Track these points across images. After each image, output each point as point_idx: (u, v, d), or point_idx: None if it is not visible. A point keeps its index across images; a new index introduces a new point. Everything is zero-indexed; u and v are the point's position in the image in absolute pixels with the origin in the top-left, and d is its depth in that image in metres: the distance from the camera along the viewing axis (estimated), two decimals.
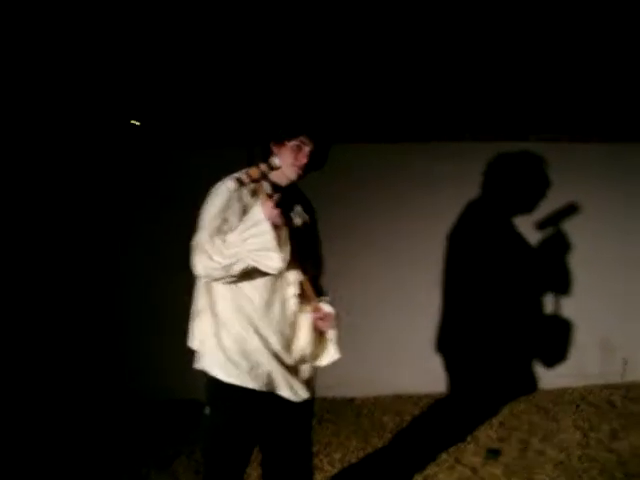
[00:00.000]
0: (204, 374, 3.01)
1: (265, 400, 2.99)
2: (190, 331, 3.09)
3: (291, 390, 3.01)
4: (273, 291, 2.97)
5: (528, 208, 5.33)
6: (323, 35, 6.10)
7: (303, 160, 2.93)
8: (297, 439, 3.15)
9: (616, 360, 5.55)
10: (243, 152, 4.89)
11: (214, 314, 2.99)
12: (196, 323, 3.06)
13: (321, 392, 5.01)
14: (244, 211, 2.89)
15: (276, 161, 2.87)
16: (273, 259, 2.80)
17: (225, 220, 2.88)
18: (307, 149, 2.92)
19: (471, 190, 5.32)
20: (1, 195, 5.21)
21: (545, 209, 5.32)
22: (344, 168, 5.04)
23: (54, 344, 5.26)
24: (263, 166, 2.85)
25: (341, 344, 3.09)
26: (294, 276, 2.98)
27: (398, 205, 5.33)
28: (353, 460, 4.33)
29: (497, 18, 6.27)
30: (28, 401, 5.10)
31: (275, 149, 2.97)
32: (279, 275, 2.94)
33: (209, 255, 2.84)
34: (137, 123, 5.83)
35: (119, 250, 5.28)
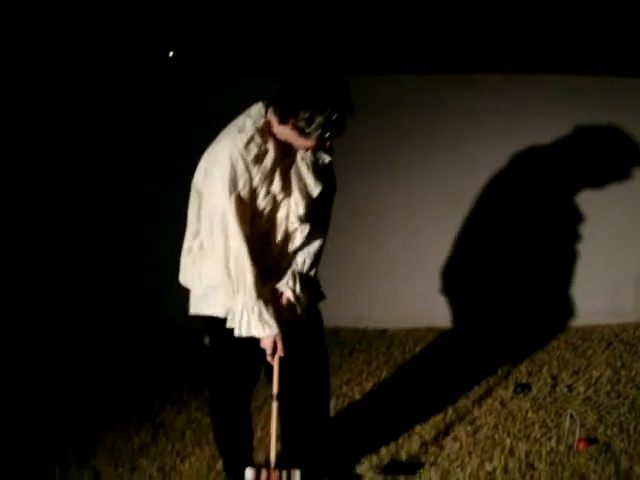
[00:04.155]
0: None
1: None
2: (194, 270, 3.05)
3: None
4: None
5: (570, 144, 5.25)
6: None
7: (311, 145, 2.81)
8: (310, 356, 3.13)
9: None
10: (276, 82, 4.87)
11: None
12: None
13: (353, 323, 5.13)
14: (251, 179, 2.79)
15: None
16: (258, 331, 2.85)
17: (239, 193, 2.78)
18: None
19: (510, 125, 5.24)
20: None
21: (589, 146, 5.23)
22: (377, 100, 4.98)
23: (77, 273, 5.40)
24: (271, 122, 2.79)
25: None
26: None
27: (429, 142, 5.27)
28: (384, 389, 4.39)
29: None
30: (48, 329, 5.28)
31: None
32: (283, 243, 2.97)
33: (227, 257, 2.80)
34: (171, 54, 5.79)
35: (144, 180, 5.35)
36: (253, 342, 2.92)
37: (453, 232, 5.35)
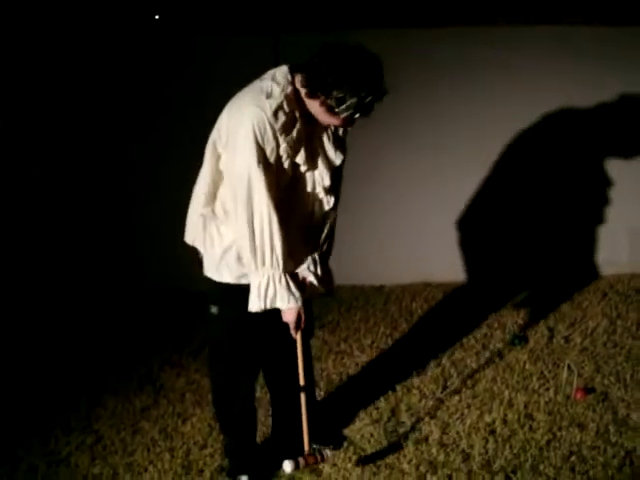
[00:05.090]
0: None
1: None
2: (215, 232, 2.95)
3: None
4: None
5: (564, 95, 5.20)
6: None
7: (337, 123, 2.78)
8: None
9: None
10: (268, 40, 4.80)
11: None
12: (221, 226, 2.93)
13: (350, 280, 5.14)
14: (278, 146, 2.72)
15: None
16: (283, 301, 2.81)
17: (266, 160, 2.71)
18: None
19: (503, 77, 5.19)
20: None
21: (578, 94, 5.19)
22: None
23: (71, 240, 5.42)
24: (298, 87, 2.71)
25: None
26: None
27: (427, 93, 5.22)
28: (382, 345, 4.42)
29: None
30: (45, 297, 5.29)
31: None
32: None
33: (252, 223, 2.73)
34: (157, 17, 5.71)
35: (133, 144, 5.33)
36: (264, 315, 2.86)
37: (448, 185, 5.32)
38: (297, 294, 2.82)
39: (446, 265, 5.36)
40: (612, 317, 4.63)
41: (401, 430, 3.45)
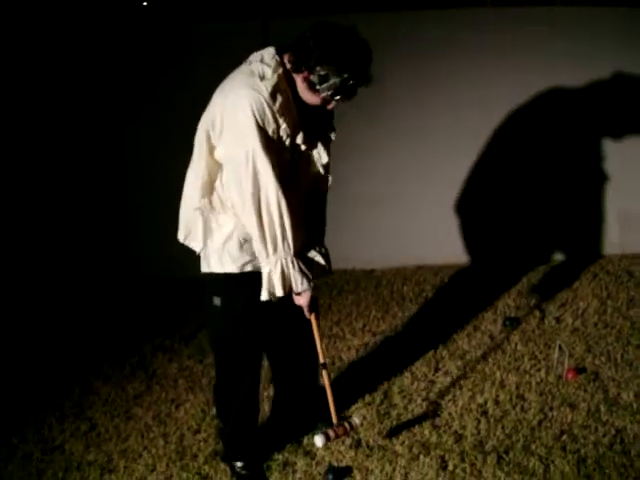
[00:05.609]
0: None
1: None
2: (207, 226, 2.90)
3: None
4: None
5: (552, 76, 5.20)
6: None
7: (317, 102, 2.74)
8: (302, 326, 3.06)
9: (635, 229, 5.52)
10: (257, 26, 4.77)
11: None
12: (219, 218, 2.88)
13: (341, 264, 5.13)
14: (278, 127, 2.69)
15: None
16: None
17: (268, 141, 2.67)
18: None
19: (492, 58, 5.19)
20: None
21: (569, 76, 5.19)
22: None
23: (62, 229, 5.41)
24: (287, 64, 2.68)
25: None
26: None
27: (417, 76, 5.21)
28: (374, 329, 4.43)
29: None
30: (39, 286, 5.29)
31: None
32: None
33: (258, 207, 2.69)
34: (145, 3, 5.67)
35: (126, 135, 5.30)
36: (268, 302, 2.83)
37: (439, 169, 5.32)
38: (309, 276, 2.82)
39: (437, 248, 5.36)
40: (602, 297, 4.64)
41: (394, 412, 3.47)
